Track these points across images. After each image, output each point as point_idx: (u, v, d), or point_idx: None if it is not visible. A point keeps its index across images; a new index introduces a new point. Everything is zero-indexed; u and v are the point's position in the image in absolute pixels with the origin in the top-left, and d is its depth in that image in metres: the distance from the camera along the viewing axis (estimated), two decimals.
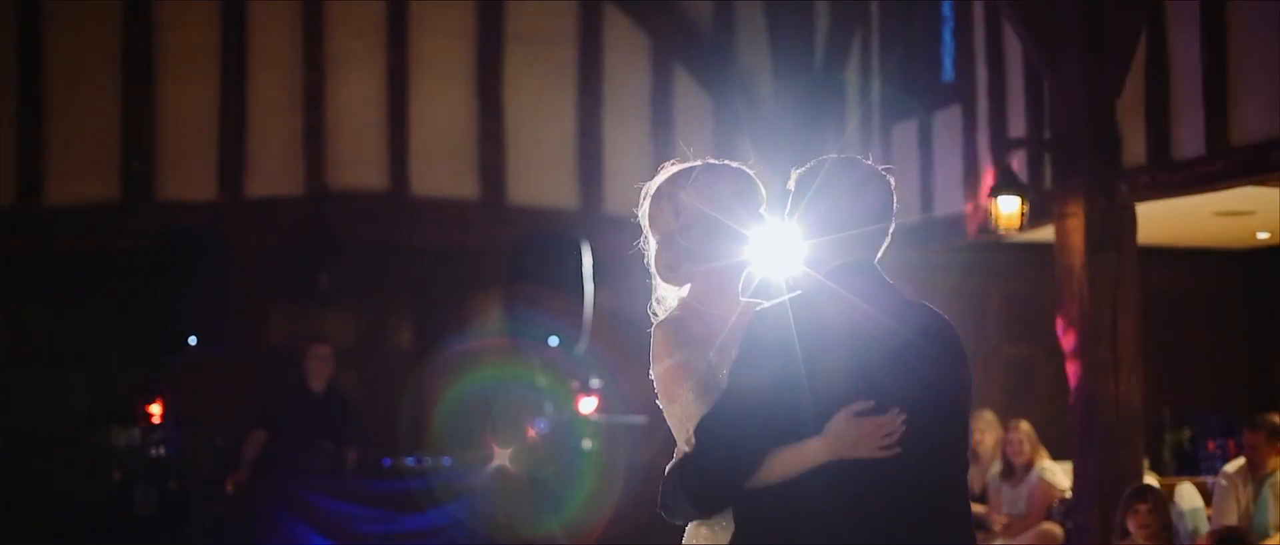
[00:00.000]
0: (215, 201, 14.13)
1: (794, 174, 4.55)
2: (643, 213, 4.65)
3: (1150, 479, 12.24)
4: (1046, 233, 11.70)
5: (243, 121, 14.25)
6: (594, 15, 15.07)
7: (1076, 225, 11.13)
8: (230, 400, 13.75)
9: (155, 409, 13.28)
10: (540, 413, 13.02)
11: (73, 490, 13.33)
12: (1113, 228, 11.10)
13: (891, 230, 4.62)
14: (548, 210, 14.66)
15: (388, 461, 13.49)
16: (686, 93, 15.24)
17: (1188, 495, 12.39)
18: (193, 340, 12.43)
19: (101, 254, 13.75)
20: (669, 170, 4.67)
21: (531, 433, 12.98)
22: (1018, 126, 12.52)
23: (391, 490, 13.20)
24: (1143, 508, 10.01)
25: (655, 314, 4.61)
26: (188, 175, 14.12)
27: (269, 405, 13.57)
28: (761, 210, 4.64)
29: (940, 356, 4.37)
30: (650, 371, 4.47)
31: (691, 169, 4.63)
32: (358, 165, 14.46)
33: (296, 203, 14.26)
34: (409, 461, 13.45)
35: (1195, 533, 12.16)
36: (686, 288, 4.58)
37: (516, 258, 13.24)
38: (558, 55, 15.01)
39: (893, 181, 4.61)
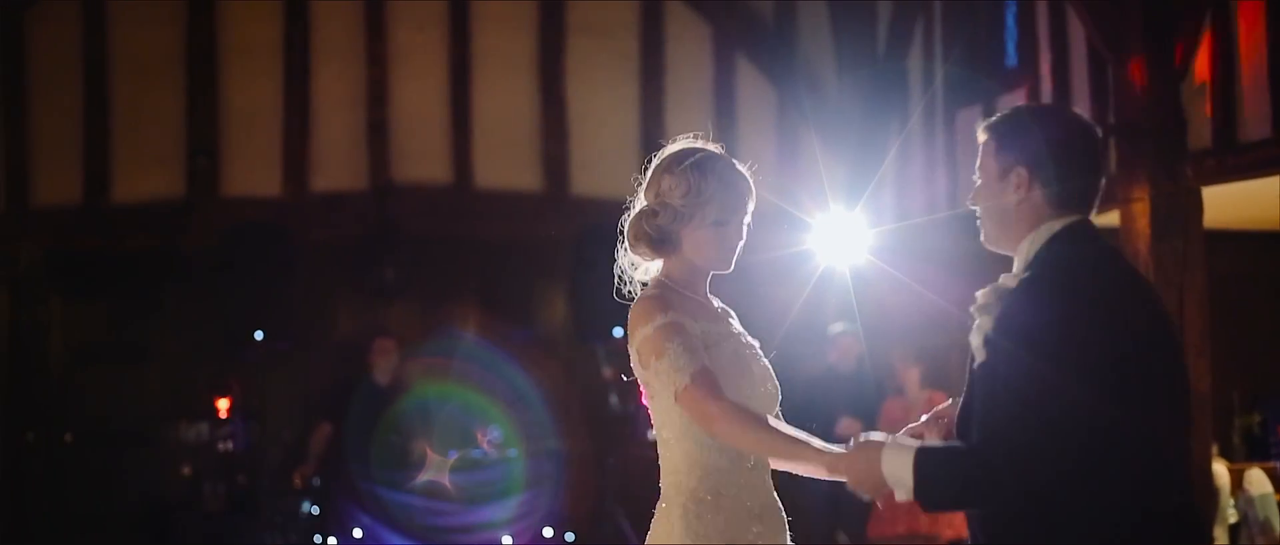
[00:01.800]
0: (280, 197, 14.18)
1: (984, 124, 4.30)
2: (642, 179, 4.67)
3: (1219, 465, 12.17)
4: (1112, 218, 11.62)
5: (306, 117, 14.30)
6: (656, 6, 15.06)
7: (1142, 210, 11.05)
8: (297, 394, 13.82)
9: (223, 404, 13.39)
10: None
11: (142, 485, 13.44)
12: (1178, 212, 11.01)
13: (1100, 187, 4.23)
14: (611, 201, 14.51)
15: (454, 454, 13.52)
16: (749, 83, 15.21)
17: (1258, 481, 12.31)
18: (259, 335, 12.51)
19: (168, 250, 13.83)
20: (674, 147, 4.62)
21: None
22: (1082, 110, 12.42)
23: (458, 482, 13.22)
24: None
25: (625, 281, 4.68)
26: (252, 171, 14.18)
27: (335, 399, 13.61)
28: (746, 210, 4.56)
29: None
30: (630, 345, 4.49)
31: (687, 155, 4.56)
32: (421, 159, 14.49)
33: (360, 197, 14.30)
34: (475, 454, 13.48)
35: (1266, 520, 12.08)
36: (657, 265, 4.60)
37: (580, 249, 13.25)
38: (620, 47, 15.00)
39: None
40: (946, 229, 13.89)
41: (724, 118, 15.04)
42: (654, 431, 4.61)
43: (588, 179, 14.75)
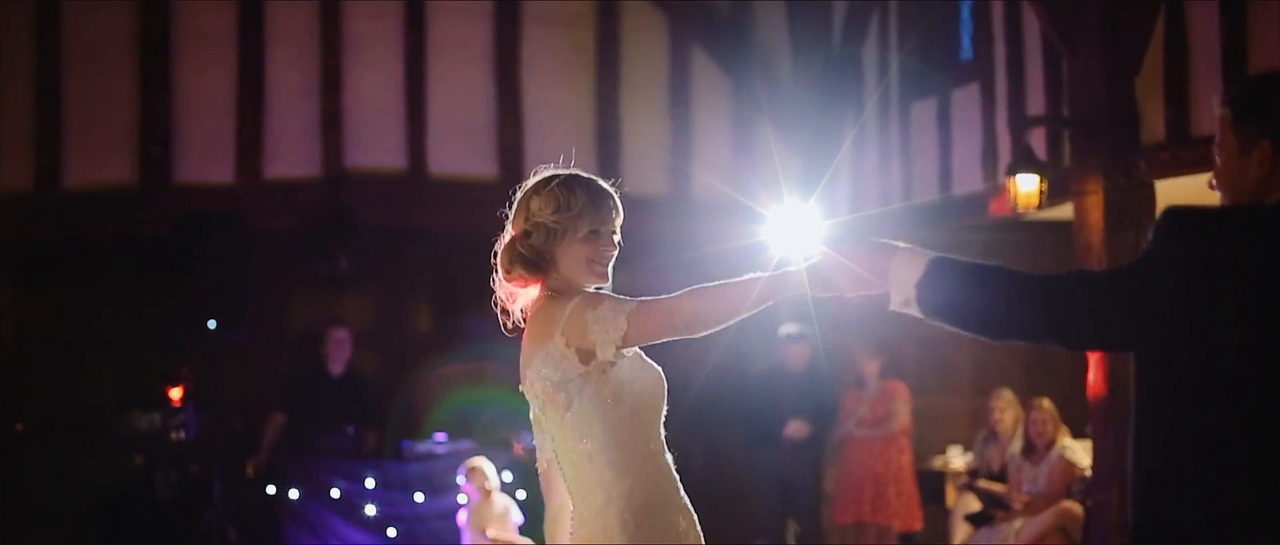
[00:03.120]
0: (233, 185, 14.13)
1: (1234, 93, 3.84)
2: (508, 213, 4.77)
3: None
4: (1065, 211, 11.67)
5: (260, 105, 14.25)
6: None
7: (1095, 203, 11.09)
8: (250, 384, 13.78)
9: (175, 393, 13.33)
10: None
11: (94, 474, 13.37)
12: (1132, 205, 11.06)
13: None
14: None
15: (407, 444, 13.51)
16: (704, 72, 15.23)
17: None
18: (212, 324, 12.45)
19: (120, 238, 13.77)
20: (538, 175, 4.74)
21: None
22: (1036, 104, 12.49)
23: (411, 472, 13.22)
24: None
25: (507, 313, 4.73)
26: (206, 159, 14.13)
27: (288, 388, 13.59)
28: (615, 223, 4.63)
29: None
30: (534, 366, 4.50)
31: (554, 175, 4.69)
32: (376, 147, 14.46)
33: (315, 185, 14.26)
34: (428, 444, 13.47)
35: None
36: (533, 292, 4.65)
37: None
38: (575, 36, 15.00)
39: None
40: (901, 220, 13.93)
41: (679, 108, 15.07)
42: (551, 455, 4.65)
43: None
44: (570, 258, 4.57)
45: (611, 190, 4.67)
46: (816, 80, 14.83)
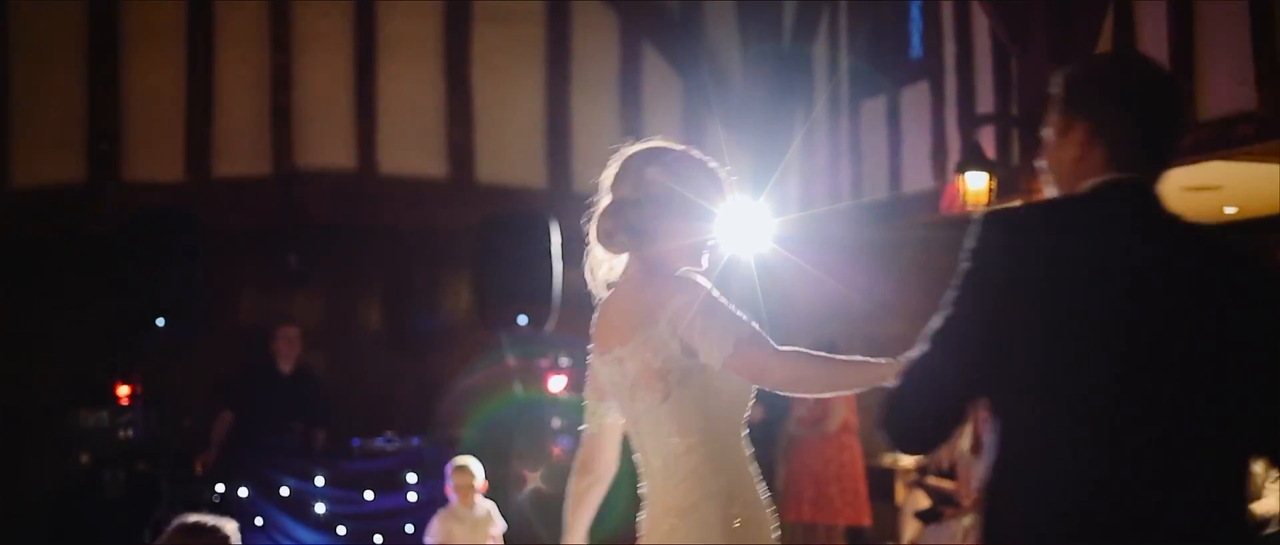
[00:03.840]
0: (183, 182, 14.07)
1: (1061, 75, 3.79)
2: (607, 174, 4.67)
3: None
4: None
5: (210, 102, 14.20)
6: None
7: None
8: (199, 382, 13.72)
9: (124, 391, 13.26)
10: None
11: (41, 472, 13.30)
12: None
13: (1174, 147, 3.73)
14: (516, 189, 14.65)
15: (357, 442, 13.49)
16: (655, 70, 15.25)
17: None
18: (161, 322, 12.39)
19: (69, 236, 13.69)
20: (648, 144, 4.67)
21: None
22: (986, 103, 12.54)
23: (361, 470, 13.19)
24: None
25: (591, 277, 4.66)
26: (155, 156, 14.07)
27: (238, 386, 13.53)
28: (719, 208, 4.60)
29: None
30: (642, 334, 4.41)
31: (668, 150, 4.62)
32: (326, 145, 14.43)
33: (265, 183, 14.22)
34: (378, 441, 13.45)
35: None
36: (623, 260, 4.59)
37: (485, 236, 13.23)
38: (526, 34, 15.00)
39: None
40: (849, 218, 13.97)
41: (629, 106, 15.08)
42: (607, 422, 4.67)
43: (493, 166, 14.75)
44: (672, 235, 4.52)
45: (723, 173, 4.62)
46: (767, 78, 14.86)
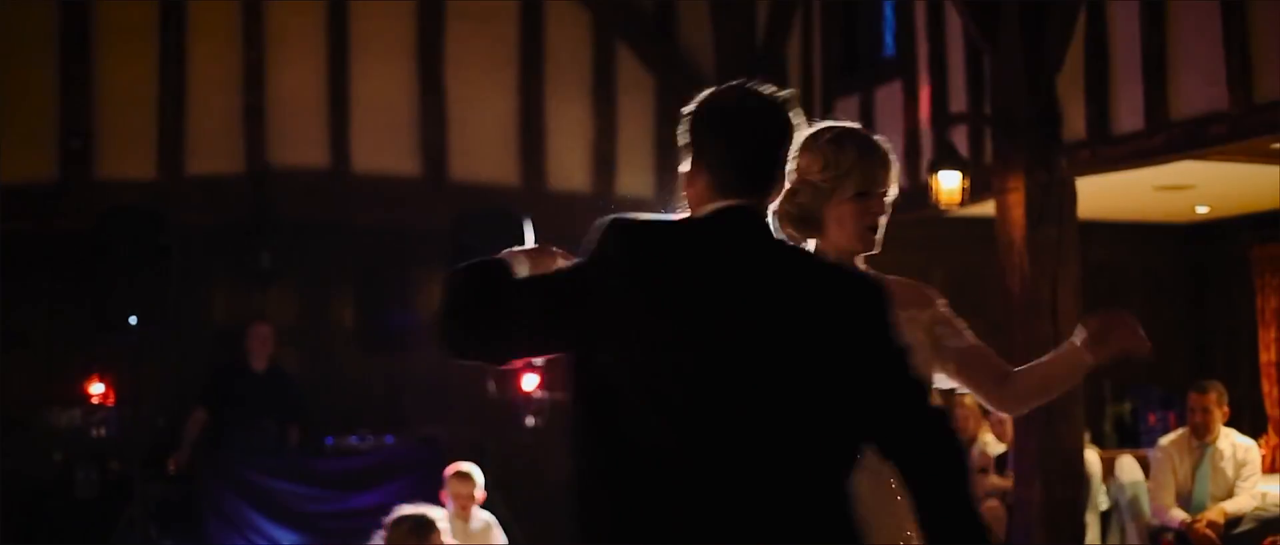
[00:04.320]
0: (155, 180, 14.02)
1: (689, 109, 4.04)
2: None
3: (1091, 452, 12.33)
4: (988, 207, 11.74)
5: (182, 99, 14.15)
6: None
7: (1017, 200, 11.17)
8: (171, 380, 13.68)
9: (96, 390, 13.24)
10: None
11: (12, 472, 13.25)
12: (1053, 202, 11.15)
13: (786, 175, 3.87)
14: (489, 187, 14.62)
15: (330, 440, 13.46)
16: (628, 69, 15.23)
17: (1128, 468, 12.49)
18: (133, 320, 12.35)
19: (40, 234, 13.64)
20: (819, 125, 4.54)
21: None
22: (958, 102, 12.56)
23: (334, 469, 13.17)
24: None
25: None
26: (127, 154, 14.01)
27: (210, 385, 13.50)
28: (887, 184, 4.51)
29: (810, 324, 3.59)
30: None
31: (827, 129, 4.54)
32: (298, 143, 14.38)
33: (237, 181, 14.18)
34: (352, 440, 13.43)
35: (1134, 501, 12.26)
36: (810, 245, 4.47)
37: (458, 235, 13.20)
38: (499, 32, 14.97)
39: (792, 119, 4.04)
40: None
41: (603, 105, 15.07)
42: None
43: (466, 165, 14.72)
44: (838, 219, 4.43)
45: (886, 148, 4.49)
46: (740, 77, 14.82)
